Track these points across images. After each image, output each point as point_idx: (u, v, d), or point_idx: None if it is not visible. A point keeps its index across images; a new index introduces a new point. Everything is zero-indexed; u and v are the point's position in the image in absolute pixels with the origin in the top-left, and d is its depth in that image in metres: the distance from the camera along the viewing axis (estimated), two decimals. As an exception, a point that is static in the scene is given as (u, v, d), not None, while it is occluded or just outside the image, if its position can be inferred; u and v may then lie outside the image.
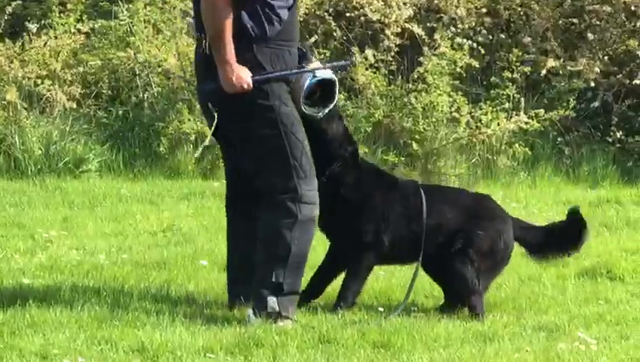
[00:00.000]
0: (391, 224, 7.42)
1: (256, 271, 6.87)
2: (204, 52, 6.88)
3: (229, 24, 6.80)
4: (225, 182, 7.29)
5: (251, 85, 6.80)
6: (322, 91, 7.05)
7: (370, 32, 13.19)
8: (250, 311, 6.71)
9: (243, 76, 6.80)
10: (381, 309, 7.14)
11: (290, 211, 6.81)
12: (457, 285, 7.40)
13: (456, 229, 7.47)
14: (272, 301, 6.74)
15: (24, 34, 12.70)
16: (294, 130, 6.86)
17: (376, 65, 12.77)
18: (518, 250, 7.49)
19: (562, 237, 7.57)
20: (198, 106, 10.88)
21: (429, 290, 7.49)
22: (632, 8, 12.99)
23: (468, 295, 7.33)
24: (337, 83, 7.13)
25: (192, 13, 7.77)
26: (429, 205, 7.44)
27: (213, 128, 7.38)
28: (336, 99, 7.15)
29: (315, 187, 6.93)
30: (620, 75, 12.92)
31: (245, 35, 6.85)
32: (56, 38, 12.62)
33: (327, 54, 12.96)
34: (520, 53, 12.90)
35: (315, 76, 7.00)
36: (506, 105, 12.61)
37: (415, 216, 7.41)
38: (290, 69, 7.00)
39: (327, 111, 7.11)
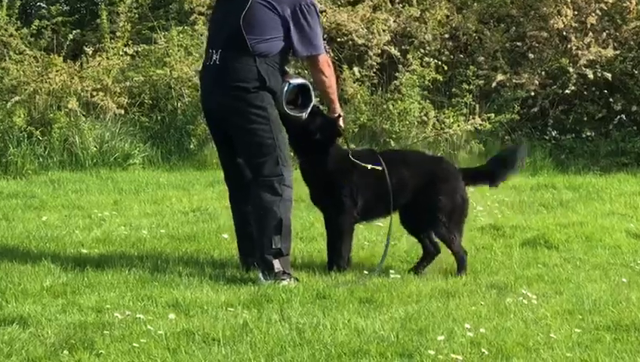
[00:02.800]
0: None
1: (256, 242, 6.94)
2: (214, 63, 6.99)
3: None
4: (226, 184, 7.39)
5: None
6: (302, 95, 6.97)
7: (356, 53, 13.25)
8: (260, 274, 6.76)
9: None
10: (366, 272, 7.11)
11: (276, 190, 6.89)
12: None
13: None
14: (277, 263, 6.81)
15: (82, 56, 12.79)
16: (280, 128, 6.95)
17: (361, 79, 12.83)
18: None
19: (504, 163, 7.40)
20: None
21: (404, 257, 7.46)
22: (564, 34, 13.07)
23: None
24: (311, 87, 7.06)
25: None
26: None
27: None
28: (313, 100, 7.04)
29: (291, 173, 7.05)
30: (555, 86, 12.99)
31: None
32: (107, 59, 12.73)
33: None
34: (475, 69, 12.99)
35: (290, 83, 6.93)
36: (464, 110, 12.73)
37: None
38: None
39: (308, 111, 7.00)
